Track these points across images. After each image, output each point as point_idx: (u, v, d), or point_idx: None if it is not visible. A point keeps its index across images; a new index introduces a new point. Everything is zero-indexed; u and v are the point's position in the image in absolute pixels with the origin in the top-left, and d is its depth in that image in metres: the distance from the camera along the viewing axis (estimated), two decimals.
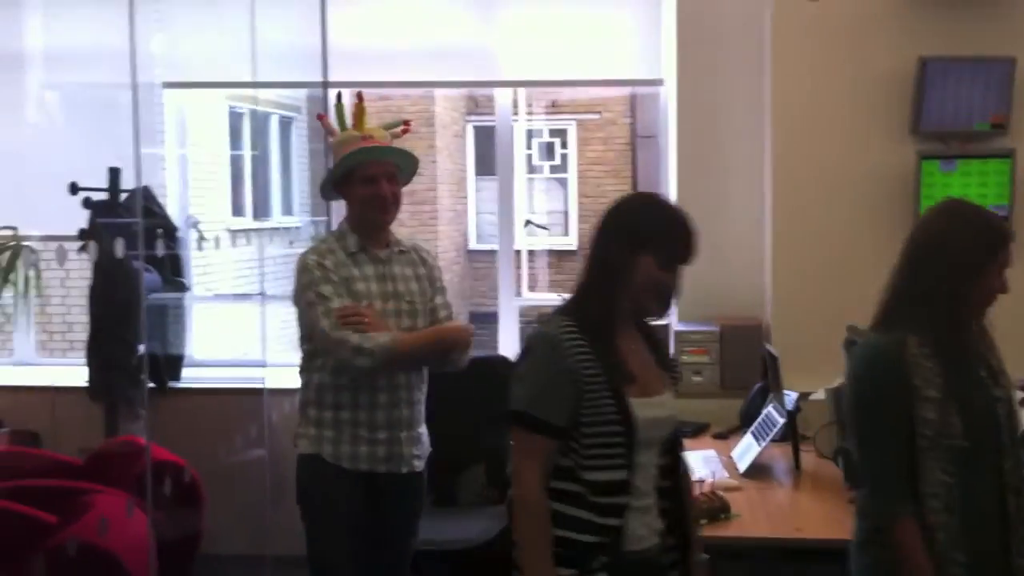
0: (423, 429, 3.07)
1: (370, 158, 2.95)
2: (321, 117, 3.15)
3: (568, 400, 2.16)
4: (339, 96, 3.21)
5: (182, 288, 4.75)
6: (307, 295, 2.88)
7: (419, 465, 3.05)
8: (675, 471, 2.32)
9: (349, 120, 3.02)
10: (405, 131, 3.13)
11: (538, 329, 2.28)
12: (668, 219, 2.28)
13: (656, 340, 2.40)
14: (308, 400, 2.98)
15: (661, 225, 2.26)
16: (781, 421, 3.37)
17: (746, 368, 4.12)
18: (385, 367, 2.88)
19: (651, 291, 2.26)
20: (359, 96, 3.04)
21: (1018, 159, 4.00)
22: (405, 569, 3.16)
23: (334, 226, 3.40)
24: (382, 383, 2.92)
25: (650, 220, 2.27)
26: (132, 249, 4.28)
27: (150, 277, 4.61)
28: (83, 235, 4.36)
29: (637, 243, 2.23)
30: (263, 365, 4.16)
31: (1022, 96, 4.01)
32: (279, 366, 4.27)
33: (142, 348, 4.05)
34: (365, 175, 2.94)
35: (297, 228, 9.09)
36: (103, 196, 4.43)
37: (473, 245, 12.80)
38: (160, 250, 4.40)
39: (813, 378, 3.59)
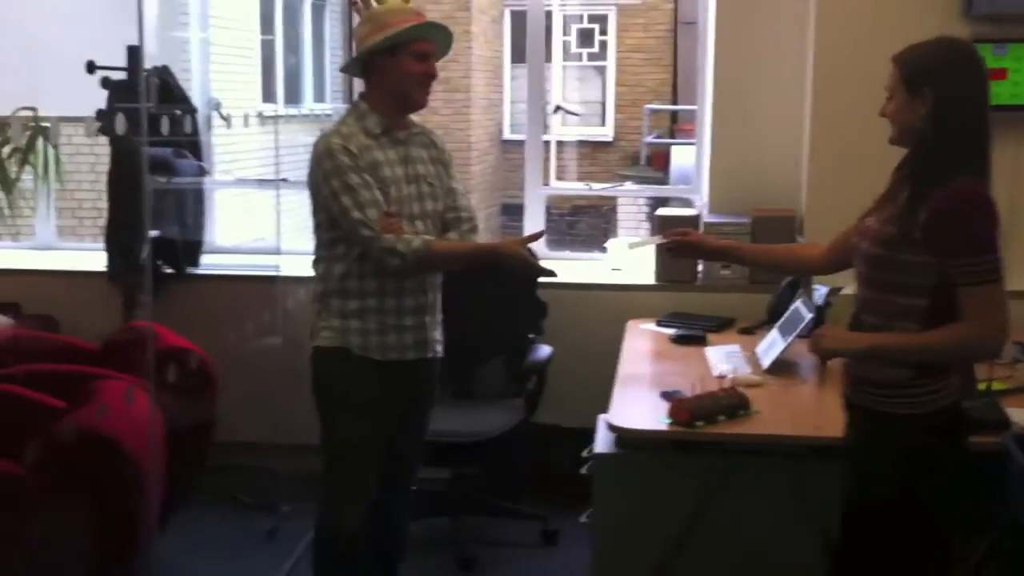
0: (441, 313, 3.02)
1: (429, 34, 2.84)
2: None
3: None
4: None
5: (201, 172, 4.65)
6: (332, 183, 2.75)
7: (441, 350, 3.00)
8: None
9: None
10: None
11: None
12: None
13: None
14: (330, 290, 2.87)
15: None
16: (809, 316, 3.24)
17: None
18: (414, 271, 2.81)
19: None
20: None
21: None
22: (419, 458, 3.13)
23: None
24: None
25: None
26: (154, 133, 4.19)
27: (187, 163, 4.52)
28: (101, 116, 4.27)
29: None
30: (277, 252, 4.09)
31: None
32: (297, 254, 4.20)
33: (154, 234, 3.99)
34: (419, 50, 2.81)
35: (328, 115, 8.97)
36: (122, 76, 4.31)
37: (507, 135, 12.59)
38: (165, 131, 4.27)
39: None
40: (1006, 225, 3.76)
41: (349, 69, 3.03)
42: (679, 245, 2.93)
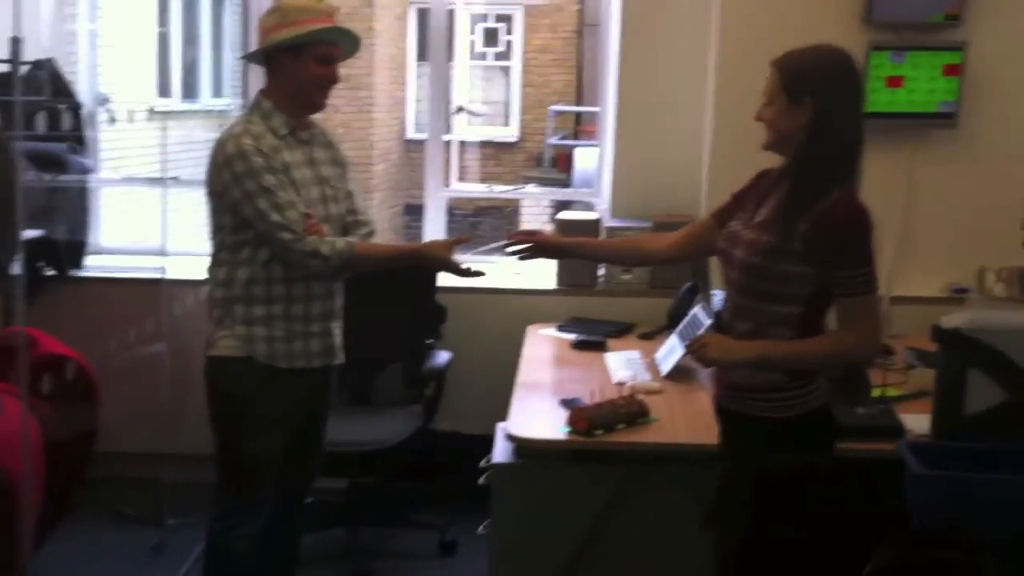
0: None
1: (336, 39, 2.75)
2: None
3: None
4: None
5: (87, 169, 4.45)
6: (246, 185, 2.64)
7: (343, 356, 2.92)
8: None
9: None
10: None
11: None
12: None
13: None
14: (233, 297, 2.74)
15: None
16: (707, 322, 3.23)
17: (677, 267, 3.95)
18: (337, 273, 2.75)
19: None
20: None
21: (970, 53, 3.82)
22: (319, 461, 3.04)
23: None
24: None
25: None
26: (32, 128, 4.01)
27: (78, 159, 4.32)
28: None
29: None
30: (163, 254, 3.93)
31: None
32: (185, 255, 4.04)
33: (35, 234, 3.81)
34: (324, 54, 2.73)
35: (226, 110, 8.74)
36: (3, 68, 4.11)
37: (411, 134, 12.45)
38: (40, 128, 4.09)
39: None
40: (902, 231, 3.87)
41: (252, 58, 2.91)
42: (527, 247, 2.77)
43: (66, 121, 4.25)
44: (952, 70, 3.85)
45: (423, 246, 2.96)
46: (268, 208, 2.63)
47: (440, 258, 2.80)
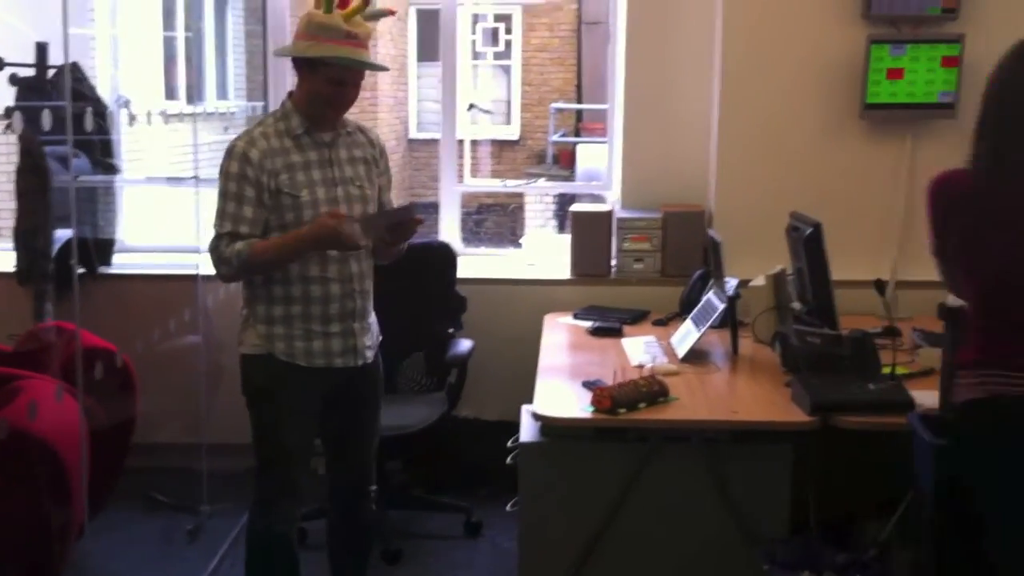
0: (373, 318, 2.98)
1: (348, 65, 2.74)
2: None
3: None
4: None
5: (112, 170, 4.56)
6: (219, 183, 2.76)
7: (372, 356, 2.96)
8: None
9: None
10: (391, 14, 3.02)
11: None
12: None
13: None
14: (255, 296, 2.83)
15: None
16: (721, 307, 3.37)
17: (687, 256, 4.11)
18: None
19: None
20: None
21: (967, 44, 3.95)
22: (371, 461, 3.08)
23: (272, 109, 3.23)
24: (332, 273, 2.80)
25: None
26: (59, 132, 4.10)
27: (78, 162, 4.43)
28: (8, 113, 4.18)
29: None
30: (196, 251, 4.04)
31: None
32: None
33: (67, 233, 3.91)
34: (335, 76, 2.74)
35: (232, 113, 8.85)
36: (30, 73, 4.23)
37: (414, 134, 12.57)
38: (89, 128, 4.20)
39: (754, 264, 3.58)
40: (906, 219, 4.00)
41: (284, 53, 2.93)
42: None
43: (94, 124, 4.35)
44: (950, 61, 3.96)
45: (313, 224, 2.73)
46: (217, 210, 2.75)
47: (332, 230, 2.68)
